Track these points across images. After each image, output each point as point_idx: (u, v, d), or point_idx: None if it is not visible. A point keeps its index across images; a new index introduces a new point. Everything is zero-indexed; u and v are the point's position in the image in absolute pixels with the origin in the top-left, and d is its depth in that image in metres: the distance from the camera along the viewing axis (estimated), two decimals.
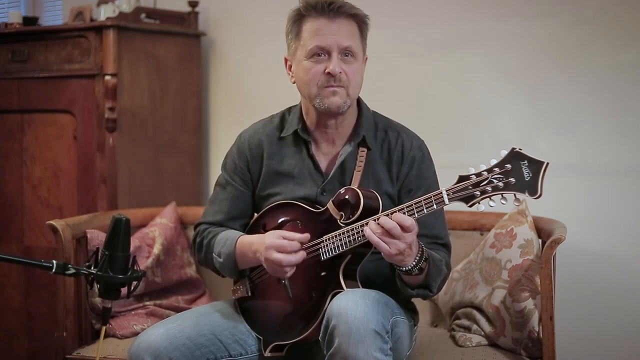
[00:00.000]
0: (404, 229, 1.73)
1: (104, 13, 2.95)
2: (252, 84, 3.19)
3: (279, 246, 1.86)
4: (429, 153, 2.07)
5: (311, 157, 2.04)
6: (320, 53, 1.93)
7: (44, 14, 3.72)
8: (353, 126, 2.04)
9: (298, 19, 1.97)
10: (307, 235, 1.89)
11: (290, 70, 2.02)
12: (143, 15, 3.04)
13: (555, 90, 2.72)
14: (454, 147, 2.81)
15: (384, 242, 1.75)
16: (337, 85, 1.93)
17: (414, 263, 1.80)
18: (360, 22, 1.97)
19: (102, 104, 2.79)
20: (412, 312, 2.10)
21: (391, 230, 1.73)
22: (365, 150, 2.02)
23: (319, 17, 1.94)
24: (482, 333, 2.30)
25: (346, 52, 1.93)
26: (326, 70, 1.92)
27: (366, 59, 2.02)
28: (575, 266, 2.65)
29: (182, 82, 3.11)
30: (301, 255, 1.87)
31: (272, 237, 1.89)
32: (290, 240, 1.87)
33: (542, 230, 2.34)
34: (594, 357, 2.70)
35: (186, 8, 3.16)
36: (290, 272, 1.89)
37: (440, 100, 2.87)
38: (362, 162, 2.00)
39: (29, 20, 3.07)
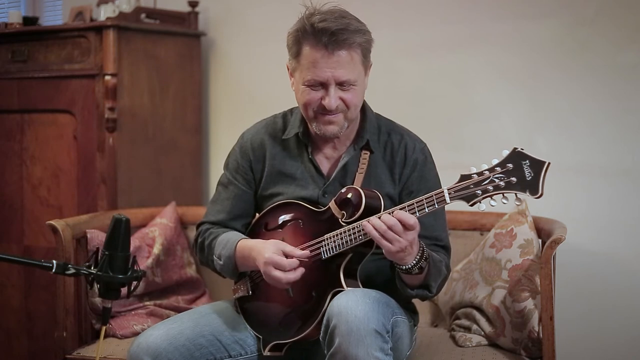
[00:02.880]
0: (406, 226, 1.74)
1: (104, 13, 2.96)
2: (252, 84, 3.19)
3: (277, 264, 1.86)
4: (431, 156, 2.07)
5: (311, 160, 2.04)
6: (316, 85, 1.90)
7: (44, 14, 3.72)
8: (356, 130, 2.04)
9: (298, 39, 1.90)
10: (306, 253, 1.89)
11: (291, 77, 1.99)
12: (143, 15, 3.04)
13: (555, 90, 2.72)
14: (454, 147, 2.81)
15: (385, 239, 1.75)
16: (333, 115, 1.92)
17: (414, 262, 1.81)
18: (364, 49, 1.91)
19: (102, 104, 2.79)
20: (412, 312, 2.11)
21: (393, 228, 1.74)
22: (368, 153, 2.02)
23: (317, 46, 1.86)
24: (482, 333, 2.30)
25: (345, 83, 1.90)
26: (322, 102, 1.90)
27: (371, 65, 1.98)
28: (575, 266, 2.66)
29: (182, 82, 3.11)
30: (300, 272, 1.87)
31: (272, 252, 1.87)
32: (290, 256, 1.87)
33: (542, 230, 2.35)
34: (594, 357, 2.70)
35: (186, 8, 3.16)
36: (289, 287, 1.90)
37: (440, 101, 2.87)
38: (364, 164, 2.01)
39: (29, 20, 3.07)
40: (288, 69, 2.00)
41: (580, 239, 2.64)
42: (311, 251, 1.91)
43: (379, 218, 1.77)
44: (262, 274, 1.90)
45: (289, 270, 1.86)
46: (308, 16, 1.89)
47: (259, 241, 1.96)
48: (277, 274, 1.85)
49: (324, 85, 1.89)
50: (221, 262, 2.03)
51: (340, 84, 1.89)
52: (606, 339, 2.68)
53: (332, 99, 1.89)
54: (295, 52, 1.92)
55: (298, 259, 1.87)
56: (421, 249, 1.82)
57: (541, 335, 2.14)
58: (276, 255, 1.86)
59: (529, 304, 2.20)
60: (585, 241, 2.66)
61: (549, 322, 2.11)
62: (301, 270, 1.87)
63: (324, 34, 1.85)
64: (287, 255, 1.87)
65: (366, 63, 1.94)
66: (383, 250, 1.79)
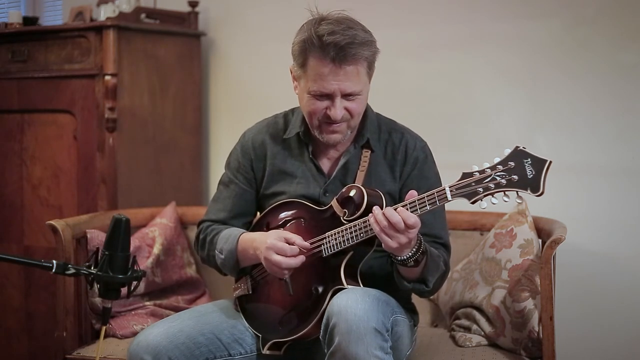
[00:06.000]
0: (407, 226, 1.74)
1: (104, 13, 2.96)
2: (252, 84, 3.19)
3: (279, 249, 1.87)
4: (431, 155, 2.08)
5: (312, 159, 2.05)
6: (322, 95, 1.90)
7: (44, 14, 3.72)
8: (357, 129, 2.04)
9: (304, 49, 1.88)
10: (307, 244, 1.90)
11: (295, 81, 1.99)
12: (143, 15, 3.05)
13: (555, 90, 2.72)
14: (454, 147, 2.81)
15: (386, 234, 1.75)
16: (337, 125, 1.93)
17: (410, 254, 1.81)
18: (370, 61, 1.90)
19: (102, 104, 2.79)
20: (412, 313, 2.11)
21: (396, 225, 1.74)
22: (369, 152, 2.02)
23: (324, 60, 1.84)
24: (482, 333, 2.30)
25: (350, 94, 1.90)
26: (327, 112, 1.90)
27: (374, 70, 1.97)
28: (575, 266, 2.66)
29: (182, 82, 3.11)
30: (300, 259, 1.88)
31: (274, 238, 1.89)
32: (291, 244, 1.87)
33: (542, 230, 2.35)
34: (594, 357, 2.70)
35: (186, 8, 3.16)
36: (288, 274, 1.90)
37: (440, 100, 2.87)
38: (365, 163, 2.01)
39: (29, 20, 3.07)
40: (291, 73, 1.99)
41: (580, 239, 2.64)
42: (312, 249, 1.91)
43: (383, 213, 1.77)
44: (263, 260, 1.90)
45: (290, 256, 1.86)
46: (315, 25, 1.87)
47: (262, 233, 1.98)
48: (278, 258, 1.86)
49: (329, 97, 1.89)
50: (222, 256, 2.03)
51: (346, 96, 1.89)
52: (606, 339, 2.67)
53: (338, 110, 1.89)
54: (301, 62, 1.91)
55: (299, 248, 1.88)
56: (418, 242, 1.83)
57: (541, 335, 2.14)
58: (278, 241, 1.87)
59: (529, 304, 2.20)
60: (585, 241, 2.66)
61: (549, 322, 2.11)
62: (302, 258, 1.88)
63: (332, 49, 1.83)
64: (288, 243, 1.88)
65: (371, 72, 1.94)
66: (383, 244, 1.79)
